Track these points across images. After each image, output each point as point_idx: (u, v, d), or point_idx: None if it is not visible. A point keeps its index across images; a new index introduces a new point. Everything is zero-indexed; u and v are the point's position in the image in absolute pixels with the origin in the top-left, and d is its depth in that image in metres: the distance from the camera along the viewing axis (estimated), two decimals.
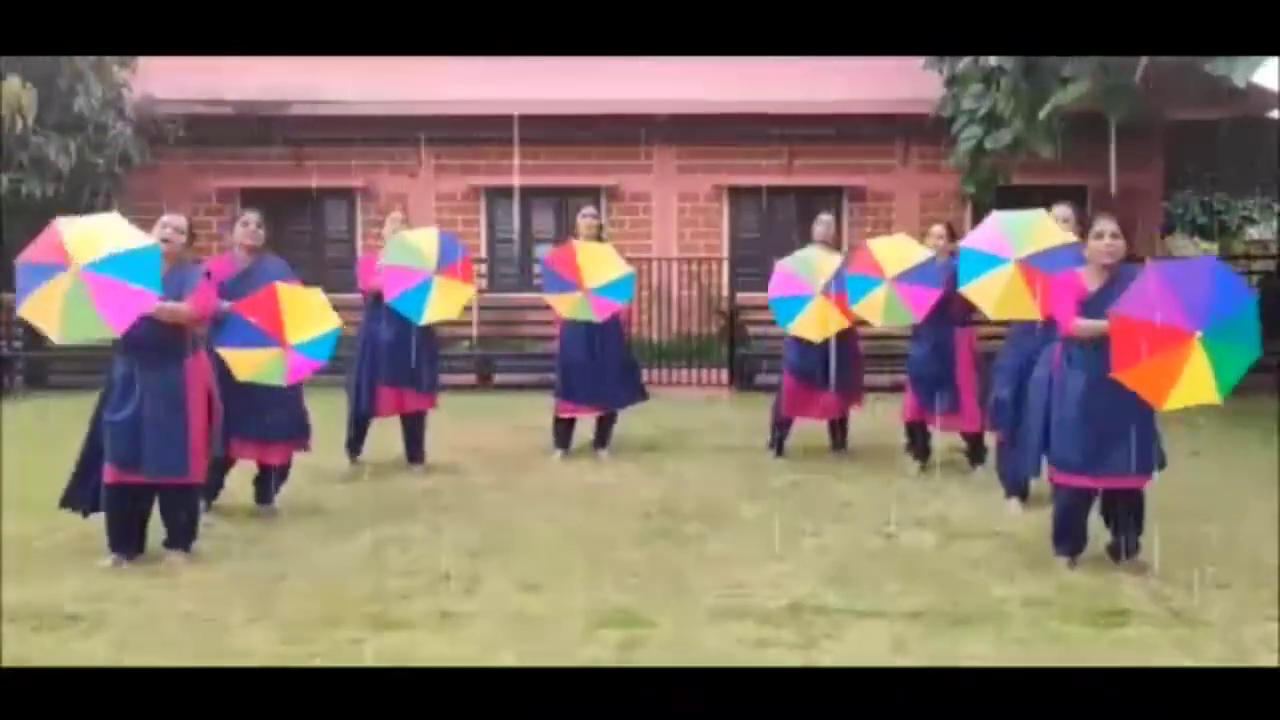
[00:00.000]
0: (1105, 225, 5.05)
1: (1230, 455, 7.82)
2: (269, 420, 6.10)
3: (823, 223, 7.89)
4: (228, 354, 5.78)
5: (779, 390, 7.93)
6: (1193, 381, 4.58)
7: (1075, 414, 5.01)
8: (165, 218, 5.35)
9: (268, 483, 6.27)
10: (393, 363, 7.29)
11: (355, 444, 7.52)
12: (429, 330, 7.47)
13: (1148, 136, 13.89)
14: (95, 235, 4.92)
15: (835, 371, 7.63)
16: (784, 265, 7.62)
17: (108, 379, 5.25)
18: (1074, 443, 5.01)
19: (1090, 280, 5.07)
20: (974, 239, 6.19)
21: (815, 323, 7.36)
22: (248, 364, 5.79)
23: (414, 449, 7.53)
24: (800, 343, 7.62)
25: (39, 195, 11.84)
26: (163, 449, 5.12)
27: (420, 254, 7.05)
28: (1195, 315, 4.59)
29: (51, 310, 4.79)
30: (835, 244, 7.90)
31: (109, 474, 5.14)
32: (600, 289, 7.50)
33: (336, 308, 6.12)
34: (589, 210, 8.10)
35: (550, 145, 14.79)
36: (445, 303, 7.03)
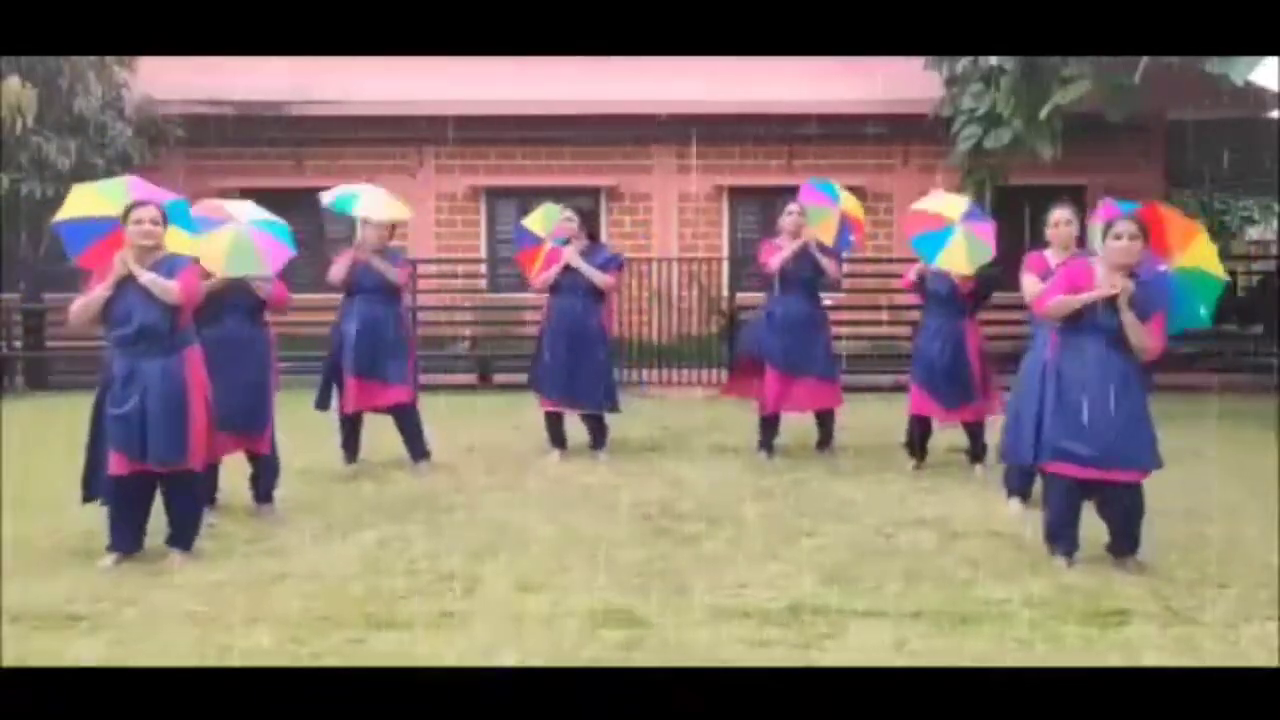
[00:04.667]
0: (1125, 226, 4.98)
1: (1230, 455, 7.81)
2: (247, 408, 6.10)
3: (789, 213, 7.87)
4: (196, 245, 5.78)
5: (761, 386, 7.91)
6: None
7: (1076, 405, 4.99)
8: (137, 212, 5.23)
9: (259, 481, 6.27)
10: (360, 353, 7.26)
11: (348, 444, 7.50)
12: (398, 323, 7.50)
13: (1148, 136, 13.89)
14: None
15: (819, 359, 7.66)
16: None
17: (106, 374, 5.27)
18: (1075, 434, 4.99)
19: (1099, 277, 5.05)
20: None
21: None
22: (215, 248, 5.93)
23: (413, 446, 7.49)
24: (783, 331, 7.63)
25: (39, 195, 11.84)
26: (166, 438, 5.17)
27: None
28: None
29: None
30: (797, 234, 7.86)
31: (115, 465, 5.16)
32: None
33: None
34: (568, 214, 7.95)
35: (550, 145, 14.79)
36: (377, 204, 7.42)
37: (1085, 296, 4.96)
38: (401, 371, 7.41)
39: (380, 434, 7.64)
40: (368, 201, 7.37)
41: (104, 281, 5.19)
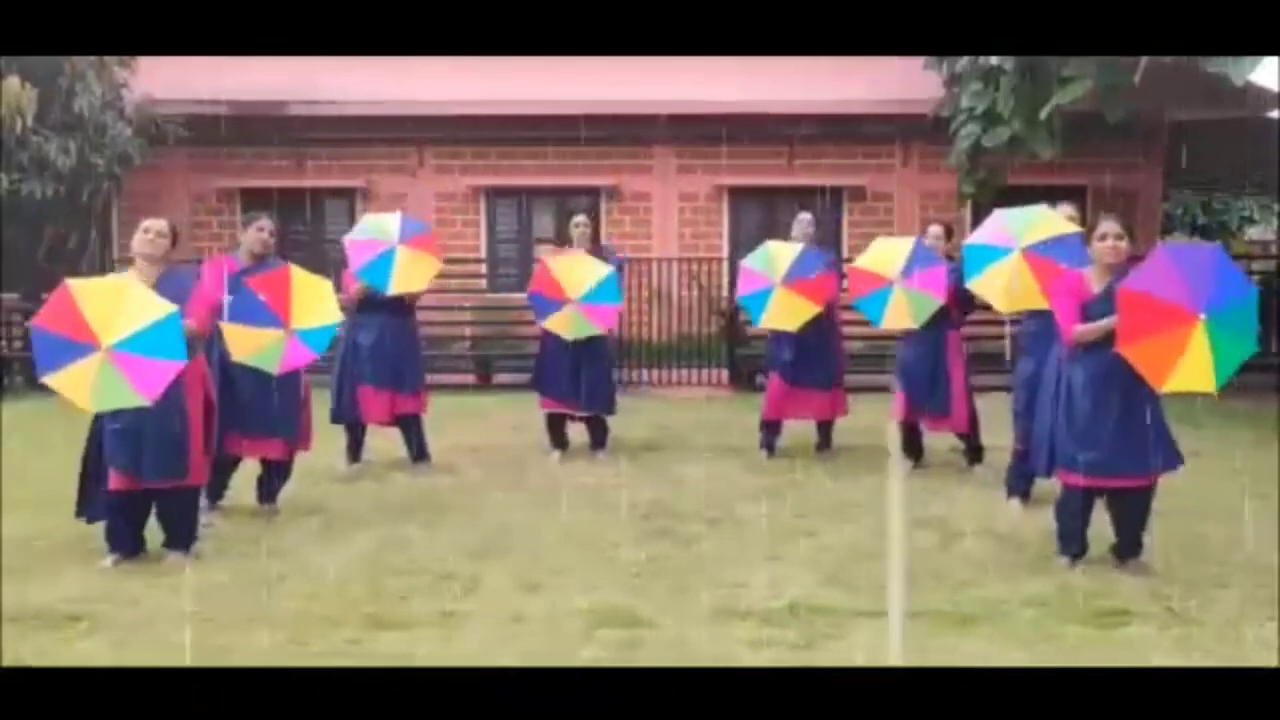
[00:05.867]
0: (1109, 226, 5.05)
1: (1230, 455, 7.80)
2: (270, 414, 6.11)
3: (801, 222, 7.90)
4: (229, 329, 5.77)
5: (765, 392, 7.95)
6: (1192, 366, 4.63)
7: (1083, 412, 5.00)
8: (146, 222, 5.31)
9: (270, 482, 6.28)
10: (374, 364, 7.29)
11: (353, 447, 7.50)
12: (411, 331, 7.52)
13: (1148, 136, 13.89)
14: (116, 309, 4.99)
15: (824, 369, 7.66)
16: (745, 263, 7.68)
17: None
18: (1082, 441, 4.99)
19: (1094, 282, 5.07)
20: (976, 236, 6.24)
21: (783, 313, 7.36)
22: (248, 343, 5.80)
23: (417, 449, 7.54)
24: (789, 342, 7.63)
25: (39, 195, 11.84)
26: (164, 454, 5.14)
27: (382, 229, 7.27)
28: (1200, 297, 4.63)
29: (84, 386, 4.93)
30: (817, 242, 7.99)
31: (113, 480, 5.14)
32: (585, 297, 7.48)
33: None
34: (580, 219, 8.04)
35: (550, 145, 14.79)
36: (410, 273, 7.12)
37: (1104, 324, 4.88)
38: (415, 381, 7.49)
39: (380, 435, 7.65)
40: (401, 273, 7.07)
41: None
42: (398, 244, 7.12)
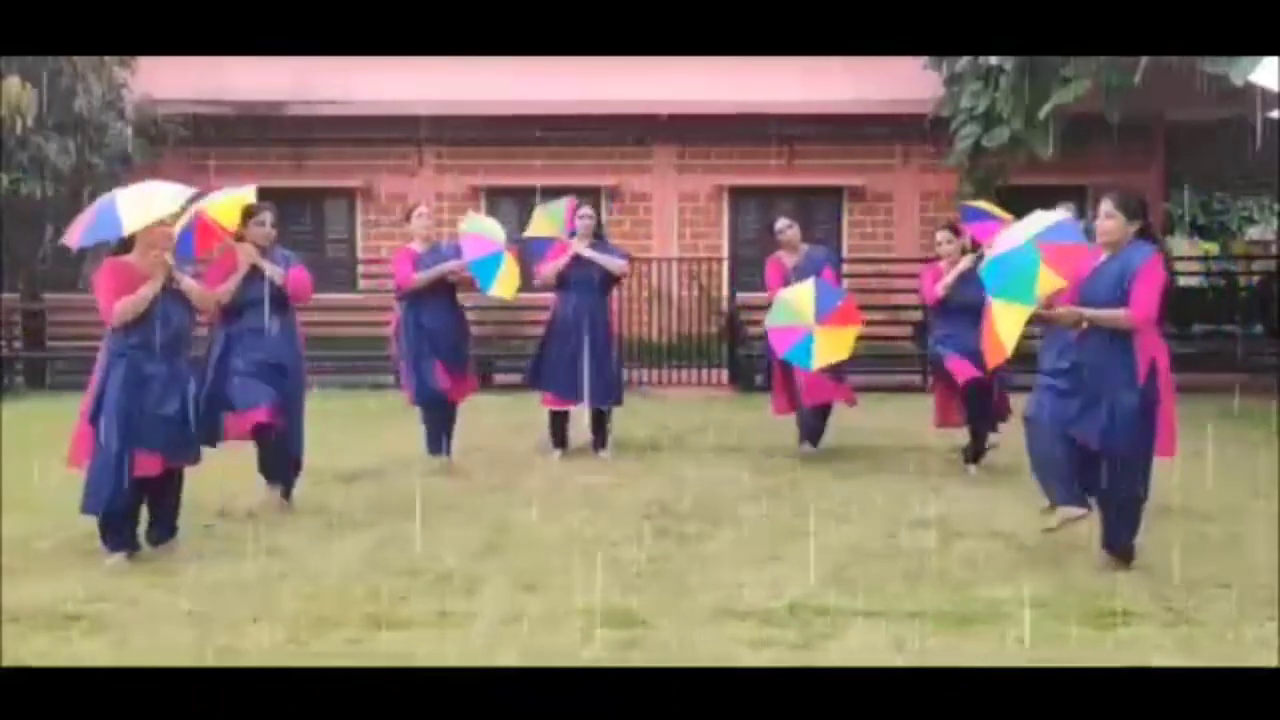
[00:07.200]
0: (1102, 205, 5.09)
1: (1230, 455, 7.80)
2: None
3: (782, 229, 7.83)
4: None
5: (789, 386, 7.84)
6: (1005, 324, 5.03)
7: (1047, 371, 5.12)
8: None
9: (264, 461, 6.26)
10: (444, 346, 7.40)
11: (436, 436, 7.49)
12: (464, 316, 7.72)
13: (1148, 136, 13.88)
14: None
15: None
16: (768, 323, 7.56)
17: (134, 374, 5.15)
18: (1040, 392, 5.12)
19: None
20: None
21: (830, 349, 7.35)
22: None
23: (447, 439, 7.61)
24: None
25: (39, 195, 11.83)
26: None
27: (493, 231, 7.64)
28: (981, 292, 5.32)
29: None
30: (805, 241, 8.02)
31: (147, 465, 5.14)
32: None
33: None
34: (585, 210, 8.05)
35: (550, 145, 14.79)
36: (507, 282, 7.46)
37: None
38: (469, 365, 7.75)
39: (382, 435, 7.64)
40: (504, 277, 7.42)
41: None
42: (505, 250, 7.45)
